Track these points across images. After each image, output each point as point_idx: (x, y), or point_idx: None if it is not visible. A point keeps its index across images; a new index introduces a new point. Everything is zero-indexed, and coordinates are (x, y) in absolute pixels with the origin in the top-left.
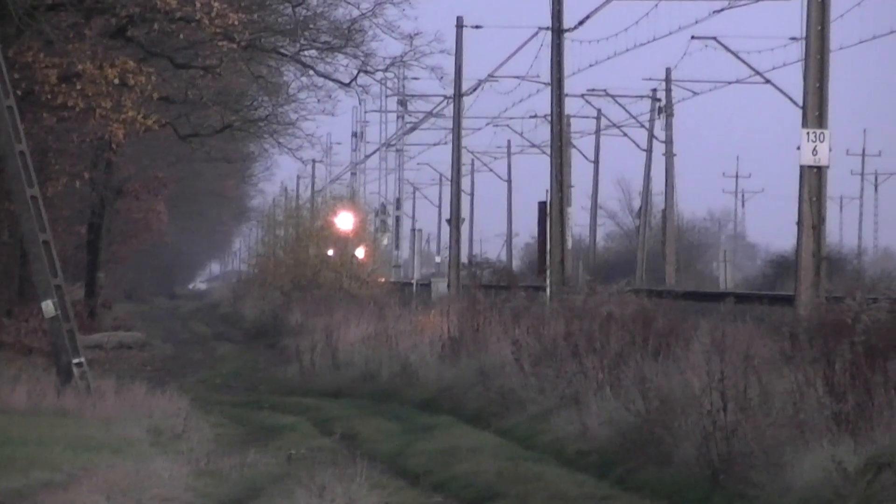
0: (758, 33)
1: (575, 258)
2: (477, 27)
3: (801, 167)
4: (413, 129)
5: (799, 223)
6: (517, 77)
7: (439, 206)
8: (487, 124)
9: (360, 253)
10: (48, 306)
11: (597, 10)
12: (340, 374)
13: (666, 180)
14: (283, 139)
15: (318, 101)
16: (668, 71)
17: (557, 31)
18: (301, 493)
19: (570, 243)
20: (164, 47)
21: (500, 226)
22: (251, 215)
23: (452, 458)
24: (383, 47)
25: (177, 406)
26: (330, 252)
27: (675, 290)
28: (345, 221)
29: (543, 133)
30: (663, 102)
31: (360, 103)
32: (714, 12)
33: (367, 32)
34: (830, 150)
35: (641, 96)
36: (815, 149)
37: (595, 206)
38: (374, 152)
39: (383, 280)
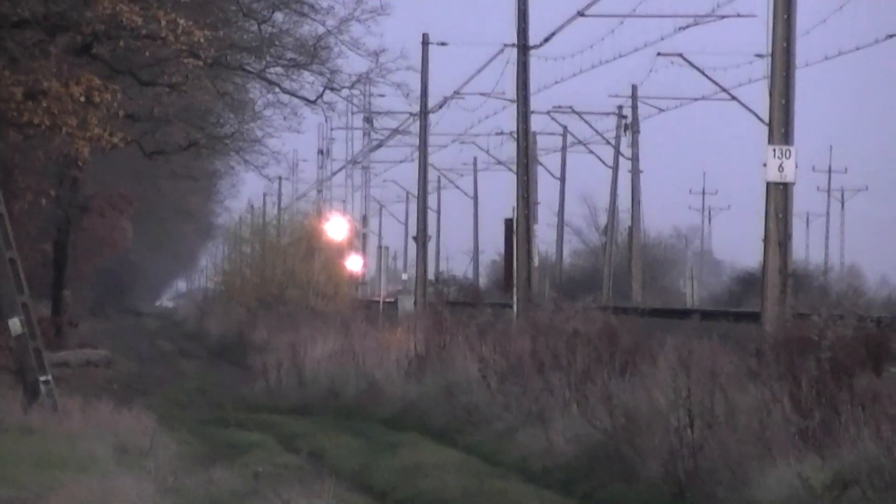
0: (723, 50)
1: (541, 275)
2: (442, 44)
3: (767, 184)
4: (379, 146)
5: (765, 240)
6: (483, 94)
7: (405, 224)
8: (453, 141)
9: (355, 264)
10: (14, 324)
11: (562, 27)
12: (306, 391)
13: (632, 197)
14: (248, 156)
15: (284, 118)
16: (634, 88)
17: (523, 49)
18: None
19: (536, 260)
20: (130, 64)
21: (467, 243)
22: (217, 233)
23: (418, 474)
24: (349, 64)
25: (143, 423)
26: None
27: (641, 306)
28: (337, 229)
29: (509, 150)
30: (629, 119)
31: (325, 120)
32: (679, 29)
33: (333, 49)
34: (796, 166)
35: (607, 113)
36: (781, 165)
37: (561, 223)
38: (340, 169)
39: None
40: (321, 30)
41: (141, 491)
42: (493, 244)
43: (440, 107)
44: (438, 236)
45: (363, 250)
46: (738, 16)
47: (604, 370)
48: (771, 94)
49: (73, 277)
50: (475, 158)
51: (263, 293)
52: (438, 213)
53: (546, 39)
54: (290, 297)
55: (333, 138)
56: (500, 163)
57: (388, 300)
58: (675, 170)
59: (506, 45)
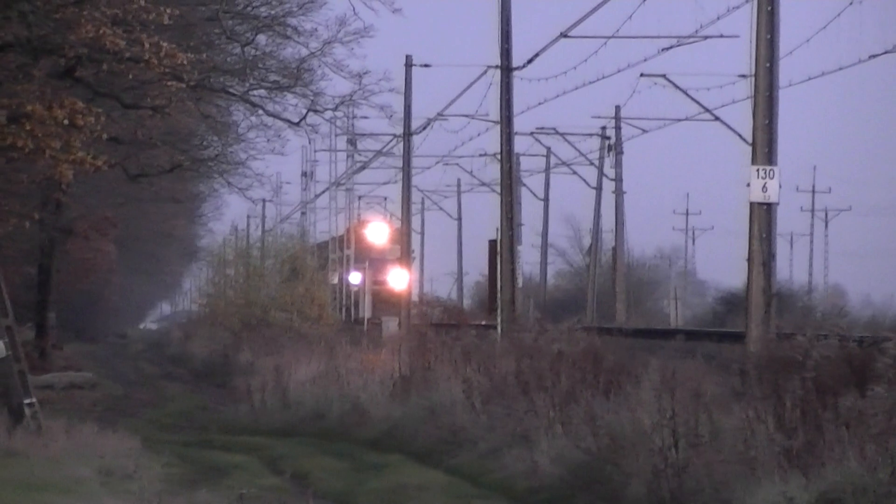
0: (706, 71)
1: (525, 296)
2: (425, 66)
3: (751, 204)
4: (362, 168)
5: (749, 260)
6: (466, 115)
7: None
8: (437, 163)
9: (400, 279)
10: None
11: (545, 48)
12: (290, 413)
13: (616, 218)
14: (232, 179)
15: (268, 140)
16: (618, 109)
17: (506, 70)
18: None
19: (520, 281)
20: (113, 87)
21: (451, 264)
22: (201, 255)
23: (402, 496)
24: (332, 86)
25: (127, 446)
26: (355, 278)
27: (625, 327)
28: (377, 233)
29: (493, 171)
30: (612, 140)
31: (309, 142)
32: (662, 50)
33: (316, 72)
34: (780, 186)
35: (591, 134)
36: (764, 186)
37: (545, 244)
38: (323, 191)
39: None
40: (304, 52)
41: None
42: (477, 265)
43: (423, 128)
44: (422, 257)
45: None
46: (721, 36)
47: (588, 391)
48: (754, 115)
49: (58, 300)
50: (459, 180)
51: (247, 315)
52: (422, 234)
53: (529, 61)
54: (275, 319)
55: (317, 160)
56: (483, 184)
57: (372, 321)
58: (659, 190)
59: (489, 67)
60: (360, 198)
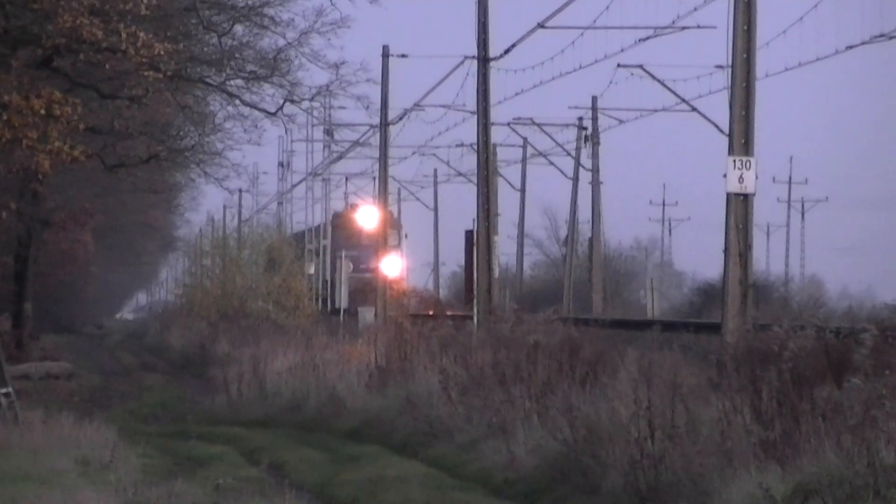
0: (684, 62)
1: (502, 287)
2: (403, 56)
3: (728, 195)
4: (339, 158)
5: (726, 251)
6: (443, 106)
7: None
8: (414, 153)
9: (393, 266)
10: None
11: (522, 38)
12: (268, 404)
13: (592, 208)
14: (209, 169)
15: (245, 130)
16: (595, 99)
17: (483, 60)
18: None
19: (496, 272)
20: (91, 78)
21: (427, 255)
22: (178, 245)
23: (380, 487)
24: (309, 77)
25: (104, 437)
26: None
27: (601, 318)
28: (367, 217)
29: (470, 162)
30: (589, 131)
31: (286, 133)
32: (640, 40)
33: (293, 62)
34: (757, 177)
35: (568, 125)
36: (741, 176)
37: (522, 235)
38: (300, 182)
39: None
40: (282, 42)
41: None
42: (453, 256)
43: (401, 119)
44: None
45: (323, 262)
46: (699, 27)
47: (564, 382)
48: (731, 106)
49: (35, 291)
50: (435, 170)
51: (225, 306)
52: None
53: (506, 51)
54: (252, 309)
55: (294, 151)
56: (460, 174)
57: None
58: (636, 181)
59: (466, 57)
60: (346, 179)
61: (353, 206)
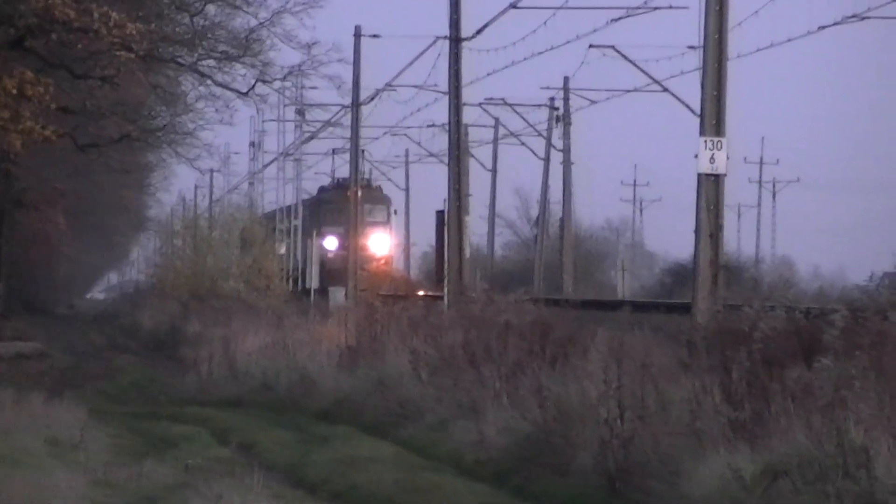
0: (656, 42)
1: (473, 267)
2: (375, 36)
3: (699, 175)
4: (311, 138)
5: (697, 231)
6: (415, 86)
7: None
8: (385, 133)
9: (380, 244)
10: None
11: (494, 18)
12: (238, 384)
13: (564, 189)
14: (180, 149)
15: (216, 110)
16: (566, 80)
17: (455, 41)
18: (198, 503)
19: (468, 252)
20: (63, 58)
21: (399, 235)
22: (149, 225)
23: (351, 467)
24: (281, 57)
25: (75, 417)
26: (330, 244)
27: (572, 298)
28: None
29: (441, 142)
30: (561, 111)
31: (257, 113)
32: (612, 21)
33: (265, 42)
34: (728, 158)
35: (539, 105)
36: (712, 157)
37: (493, 216)
38: (271, 162)
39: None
40: (254, 22)
41: (72, 484)
42: (425, 236)
43: (372, 99)
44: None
45: (294, 242)
46: (671, 7)
47: (535, 362)
48: (703, 86)
49: (6, 271)
50: (407, 150)
51: (196, 286)
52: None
53: (479, 31)
54: (223, 290)
55: (265, 131)
56: (432, 155)
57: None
58: (608, 162)
59: (438, 38)
60: (334, 151)
61: (340, 181)
